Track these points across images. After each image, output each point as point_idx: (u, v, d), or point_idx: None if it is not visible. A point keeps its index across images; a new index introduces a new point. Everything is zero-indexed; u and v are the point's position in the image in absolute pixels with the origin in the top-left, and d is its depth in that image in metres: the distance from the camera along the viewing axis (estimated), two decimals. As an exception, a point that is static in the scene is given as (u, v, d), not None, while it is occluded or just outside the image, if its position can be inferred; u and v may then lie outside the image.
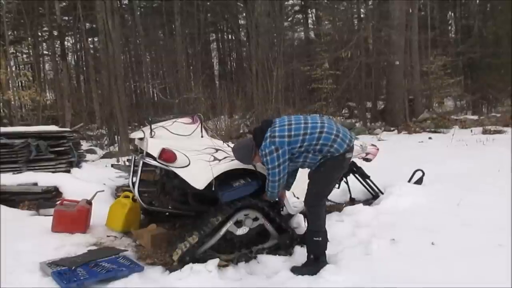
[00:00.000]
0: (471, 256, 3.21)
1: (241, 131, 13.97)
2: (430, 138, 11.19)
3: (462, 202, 4.55)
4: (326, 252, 3.32)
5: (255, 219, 3.54)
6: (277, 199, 3.57)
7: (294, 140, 3.13)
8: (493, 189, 5.08)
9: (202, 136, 4.25)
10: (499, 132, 11.17)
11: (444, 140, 10.11)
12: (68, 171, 6.51)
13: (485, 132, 11.24)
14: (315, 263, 3.20)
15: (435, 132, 12.45)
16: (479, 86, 19.48)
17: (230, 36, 26.95)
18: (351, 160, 3.47)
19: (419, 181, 5.46)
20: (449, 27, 24.35)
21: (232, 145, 4.17)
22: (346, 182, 5.15)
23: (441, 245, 3.46)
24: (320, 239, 3.23)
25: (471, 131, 11.72)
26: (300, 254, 3.44)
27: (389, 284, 2.81)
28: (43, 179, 5.72)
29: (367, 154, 5.17)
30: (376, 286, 2.80)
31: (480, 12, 20.55)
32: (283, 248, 3.60)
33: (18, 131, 6.48)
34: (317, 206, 3.28)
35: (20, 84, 18.47)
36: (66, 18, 21.79)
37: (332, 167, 3.23)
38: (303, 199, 3.38)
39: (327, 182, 3.29)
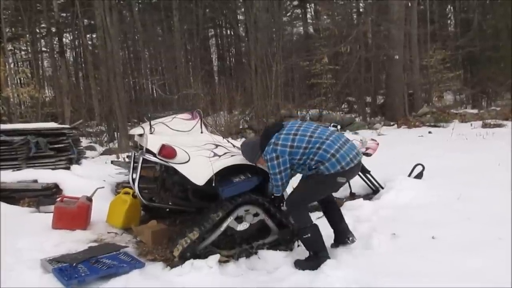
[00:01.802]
0: (471, 249, 3.21)
1: (240, 127, 13.96)
2: (430, 132, 11.20)
3: (462, 196, 4.56)
4: (327, 246, 3.33)
5: (256, 214, 3.53)
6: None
7: (295, 151, 3.15)
8: (493, 183, 5.08)
9: (202, 132, 4.24)
10: (499, 126, 11.17)
11: (444, 134, 10.11)
12: (68, 168, 6.52)
13: (485, 126, 11.23)
14: (315, 258, 3.21)
15: (435, 126, 12.45)
16: (478, 79, 19.44)
17: (229, 32, 26.89)
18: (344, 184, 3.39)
19: (419, 176, 5.47)
20: (449, 21, 24.30)
21: (231, 141, 4.17)
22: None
23: (441, 239, 3.46)
24: (309, 235, 3.23)
25: (471, 125, 11.72)
26: (301, 249, 3.44)
27: (390, 278, 2.81)
28: (43, 176, 5.72)
29: (367, 148, 5.17)
30: (377, 281, 2.80)
31: (480, 6, 20.47)
32: (283, 244, 3.59)
33: (18, 128, 6.48)
34: (296, 207, 3.32)
35: (18, 81, 18.43)
36: (64, 14, 21.72)
37: (319, 183, 3.22)
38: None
39: (310, 194, 3.31)
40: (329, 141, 3.15)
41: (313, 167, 3.17)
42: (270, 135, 3.22)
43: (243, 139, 12.12)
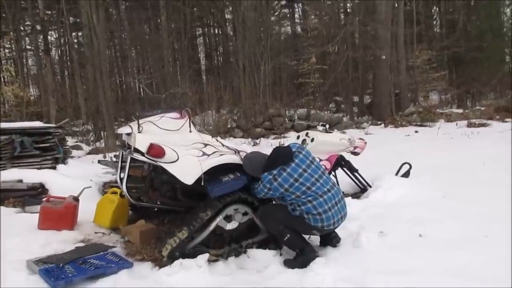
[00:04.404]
0: (458, 247, 3.26)
1: (228, 126, 13.94)
2: (416, 131, 11.33)
3: (448, 194, 4.62)
4: (312, 243, 3.39)
5: (245, 213, 3.53)
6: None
7: (288, 194, 3.24)
8: (478, 181, 5.17)
9: (190, 131, 4.21)
10: (484, 125, 11.37)
11: (430, 134, 10.25)
12: (54, 168, 6.44)
13: (470, 125, 11.42)
14: (302, 255, 3.23)
15: (421, 125, 12.61)
16: (463, 79, 19.75)
17: (216, 31, 26.75)
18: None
19: (406, 174, 5.53)
20: (434, 22, 24.56)
21: (220, 140, 4.16)
22: (335, 176, 5.18)
23: (428, 237, 3.51)
24: (288, 235, 3.27)
25: (456, 124, 11.90)
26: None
27: (378, 275, 2.83)
28: (28, 175, 5.63)
29: (355, 147, 5.22)
30: (366, 278, 2.82)
31: (465, 7, 20.77)
32: (272, 242, 3.60)
33: (2, 128, 6.36)
34: (266, 217, 3.42)
35: (3, 80, 18.10)
36: (49, 12, 21.38)
37: (295, 219, 3.26)
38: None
39: (282, 218, 3.31)
40: (323, 199, 3.21)
41: (297, 211, 3.24)
42: (276, 164, 3.27)
43: (231, 138, 12.16)
